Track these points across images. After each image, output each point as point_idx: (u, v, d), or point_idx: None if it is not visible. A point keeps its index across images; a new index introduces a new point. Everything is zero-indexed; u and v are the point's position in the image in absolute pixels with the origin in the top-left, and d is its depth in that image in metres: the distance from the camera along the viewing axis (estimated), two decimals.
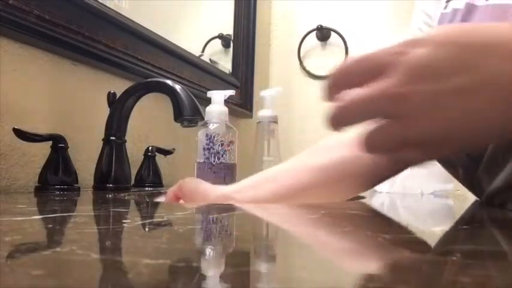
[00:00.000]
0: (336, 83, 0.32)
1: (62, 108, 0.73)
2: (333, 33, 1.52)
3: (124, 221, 0.33)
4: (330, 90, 0.33)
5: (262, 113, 0.96)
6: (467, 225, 0.37)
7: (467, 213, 0.48)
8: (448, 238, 0.29)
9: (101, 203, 0.49)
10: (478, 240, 0.28)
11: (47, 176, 0.59)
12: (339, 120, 0.32)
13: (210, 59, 1.22)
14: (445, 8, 0.51)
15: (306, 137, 1.51)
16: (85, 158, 0.74)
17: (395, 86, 0.29)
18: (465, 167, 0.50)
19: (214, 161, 0.79)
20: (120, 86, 0.76)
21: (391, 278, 0.18)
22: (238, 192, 0.51)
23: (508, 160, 0.44)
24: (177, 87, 0.65)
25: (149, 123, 0.92)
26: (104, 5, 0.78)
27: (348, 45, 1.48)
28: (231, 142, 0.82)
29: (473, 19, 0.46)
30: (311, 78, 1.54)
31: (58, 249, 0.21)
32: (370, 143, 0.31)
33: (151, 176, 0.80)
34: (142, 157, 0.81)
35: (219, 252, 0.22)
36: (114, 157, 0.67)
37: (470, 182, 0.52)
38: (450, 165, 0.52)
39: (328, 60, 1.53)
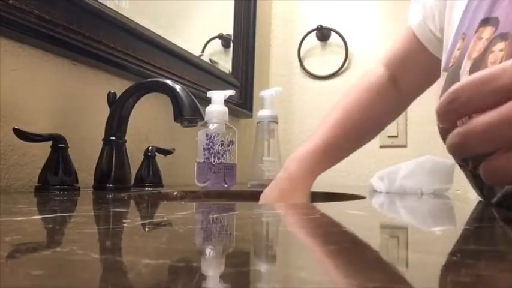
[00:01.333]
0: (453, 108, 0.30)
1: (62, 108, 0.73)
2: (333, 33, 1.52)
3: (124, 221, 0.33)
4: (448, 116, 0.30)
5: (262, 113, 0.96)
6: (467, 225, 0.37)
7: (467, 213, 0.48)
8: (448, 238, 0.29)
9: (101, 203, 0.49)
10: (478, 240, 0.28)
11: (47, 176, 0.59)
12: (461, 149, 0.29)
13: (210, 59, 1.22)
14: None
15: (306, 137, 1.51)
16: (85, 158, 0.74)
17: None
18: (475, 160, 0.49)
19: (214, 161, 0.79)
20: (120, 86, 0.76)
21: (391, 278, 0.18)
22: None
23: None
24: (177, 87, 0.65)
25: (149, 123, 0.93)
26: (104, 5, 0.78)
27: (348, 45, 1.48)
28: (231, 142, 0.82)
29: (502, 4, 0.45)
30: (311, 78, 1.54)
31: (58, 249, 0.21)
32: (496, 173, 0.29)
33: (151, 176, 0.80)
34: (142, 157, 0.81)
35: (219, 252, 0.22)
36: (114, 157, 0.67)
37: (480, 181, 0.52)
38: (462, 160, 0.52)
39: (328, 60, 1.53)
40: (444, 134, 0.36)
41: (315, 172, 0.66)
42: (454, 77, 0.48)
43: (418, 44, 0.66)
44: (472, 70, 0.44)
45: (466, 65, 0.45)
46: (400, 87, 0.71)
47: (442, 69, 0.54)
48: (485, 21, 0.45)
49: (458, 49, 0.49)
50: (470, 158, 0.49)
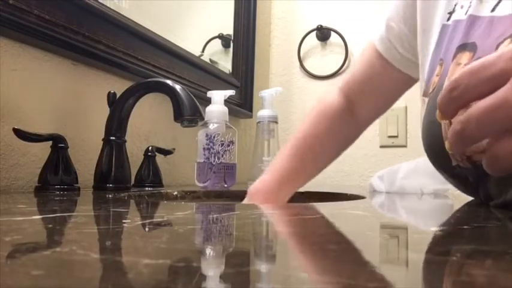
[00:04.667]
0: (454, 96, 0.30)
1: (62, 108, 0.73)
2: (333, 33, 1.52)
3: (124, 221, 0.33)
4: (449, 105, 0.31)
5: (262, 113, 0.96)
6: (467, 225, 0.37)
7: (467, 213, 0.48)
8: (448, 238, 0.29)
9: (101, 203, 0.49)
10: (478, 240, 0.28)
11: (47, 176, 0.59)
12: (462, 136, 0.29)
13: (210, 59, 1.22)
14: (448, 19, 0.51)
15: None
16: (85, 158, 0.74)
17: None
18: (473, 176, 0.49)
19: (214, 161, 0.79)
20: (120, 86, 0.76)
21: (391, 278, 0.18)
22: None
23: None
24: (177, 87, 0.65)
25: (149, 123, 0.93)
26: (104, 5, 0.78)
27: (348, 45, 1.48)
28: (231, 142, 0.82)
29: (477, 30, 0.45)
30: (311, 78, 1.54)
31: (58, 249, 0.21)
32: (497, 161, 0.29)
33: (151, 176, 0.80)
34: (142, 157, 0.81)
35: (219, 252, 0.22)
36: (114, 157, 0.67)
37: (475, 189, 0.51)
38: (455, 175, 0.51)
39: (328, 60, 1.53)
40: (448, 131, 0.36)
41: (278, 197, 0.65)
42: (435, 102, 0.47)
43: (382, 62, 0.65)
44: None
45: None
46: (356, 112, 0.70)
47: (421, 94, 0.54)
48: (463, 47, 0.45)
49: (437, 75, 0.49)
50: (467, 175, 0.49)
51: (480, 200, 0.53)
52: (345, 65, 1.49)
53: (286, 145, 0.68)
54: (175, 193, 0.71)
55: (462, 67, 0.44)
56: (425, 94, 0.53)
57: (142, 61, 0.87)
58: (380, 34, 0.66)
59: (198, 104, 0.65)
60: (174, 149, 0.88)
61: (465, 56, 0.45)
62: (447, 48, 0.49)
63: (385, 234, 0.32)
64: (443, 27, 0.51)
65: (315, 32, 1.53)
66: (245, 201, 0.65)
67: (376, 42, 0.66)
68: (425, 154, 0.56)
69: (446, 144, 0.32)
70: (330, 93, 0.72)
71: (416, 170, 0.82)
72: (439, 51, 0.51)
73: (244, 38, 1.37)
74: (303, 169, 0.67)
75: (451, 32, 0.49)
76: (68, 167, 0.61)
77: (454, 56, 0.46)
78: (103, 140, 0.68)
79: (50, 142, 0.61)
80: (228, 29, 1.34)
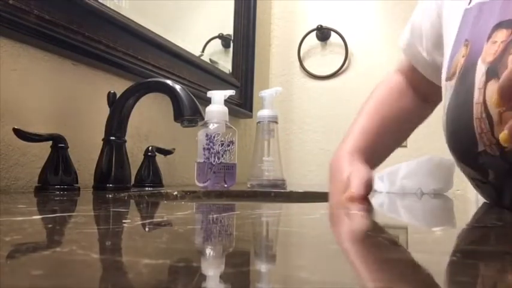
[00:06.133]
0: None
1: (62, 108, 0.73)
2: (333, 33, 1.52)
3: (124, 221, 0.33)
4: (508, 98, 0.31)
5: (262, 113, 0.96)
6: (467, 225, 0.37)
7: (467, 213, 0.48)
8: (448, 238, 0.29)
9: (101, 203, 0.49)
10: (478, 240, 0.28)
11: (47, 176, 0.59)
12: None
13: (210, 59, 1.22)
14: (469, 3, 0.51)
15: (305, 137, 1.52)
16: (85, 158, 0.74)
17: None
18: (498, 170, 0.48)
19: (214, 161, 0.79)
20: (120, 86, 0.76)
21: (391, 278, 0.18)
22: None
23: None
24: (177, 87, 0.65)
25: (149, 123, 0.93)
26: (104, 5, 0.78)
27: (348, 45, 1.48)
28: (231, 142, 0.82)
29: (508, 11, 0.45)
30: (311, 78, 1.54)
31: (58, 249, 0.21)
32: None
33: (151, 176, 0.79)
34: (142, 157, 0.81)
35: (219, 252, 0.22)
36: (114, 157, 0.67)
37: (494, 187, 0.50)
38: (479, 167, 0.51)
39: (328, 60, 1.53)
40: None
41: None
42: (466, 82, 0.47)
43: (408, 63, 0.68)
44: (489, 73, 0.43)
45: (481, 68, 0.45)
46: (417, 92, 0.72)
47: (444, 79, 0.54)
48: (499, 25, 0.45)
49: (463, 56, 0.49)
50: (492, 168, 0.48)
51: (493, 201, 0.52)
52: (345, 65, 1.49)
53: (361, 113, 0.69)
54: (175, 193, 0.71)
55: (499, 44, 0.44)
56: (448, 78, 0.52)
57: (142, 61, 0.86)
58: (405, 34, 0.68)
59: (198, 104, 0.65)
60: (174, 149, 0.88)
61: (501, 34, 0.45)
62: (473, 29, 0.49)
63: (385, 234, 0.32)
64: (466, 12, 0.51)
65: (315, 32, 1.53)
66: (345, 162, 0.62)
67: (401, 44, 0.69)
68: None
69: (502, 136, 0.32)
70: (390, 73, 0.74)
71: (416, 170, 0.82)
72: (463, 33, 0.51)
73: (244, 38, 1.37)
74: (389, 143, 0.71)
75: (476, 13, 0.49)
76: (68, 167, 0.61)
77: (489, 36, 0.46)
78: (103, 140, 0.68)
79: (50, 142, 0.61)
80: (228, 29, 1.34)
